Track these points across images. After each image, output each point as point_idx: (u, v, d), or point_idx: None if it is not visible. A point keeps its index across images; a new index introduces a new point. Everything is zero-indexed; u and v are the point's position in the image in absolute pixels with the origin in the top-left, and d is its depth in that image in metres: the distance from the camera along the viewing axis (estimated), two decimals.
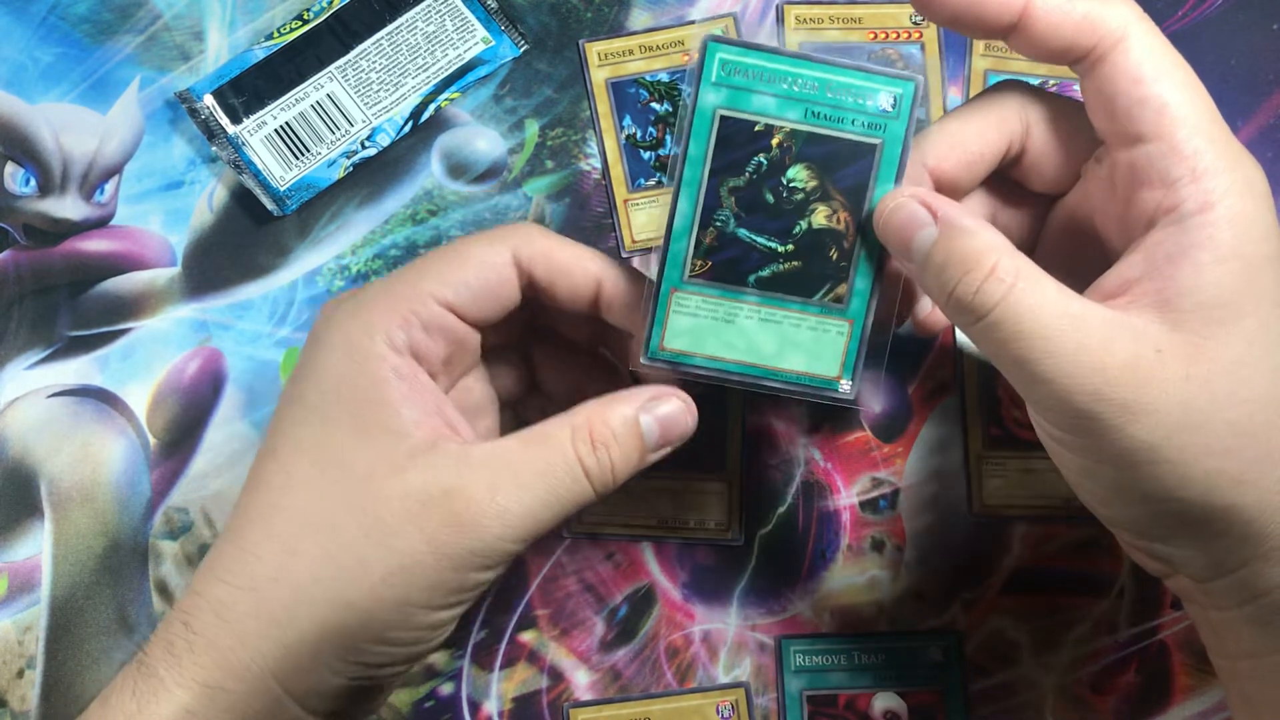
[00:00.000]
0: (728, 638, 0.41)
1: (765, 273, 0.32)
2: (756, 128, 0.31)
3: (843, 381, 0.32)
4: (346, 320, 0.31)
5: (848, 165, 0.31)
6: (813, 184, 0.31)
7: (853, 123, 0.31)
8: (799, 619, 0.41)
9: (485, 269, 0.32)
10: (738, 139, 0.31)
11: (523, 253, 0.33)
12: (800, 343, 0.32)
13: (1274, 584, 0.28)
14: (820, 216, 0.31)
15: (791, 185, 0.31)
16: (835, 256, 0.32)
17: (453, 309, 0.32)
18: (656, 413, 0.32)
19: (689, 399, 0.32)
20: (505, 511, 0.29)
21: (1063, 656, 0.41)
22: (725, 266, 0.32)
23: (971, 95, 0.44)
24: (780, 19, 0.45)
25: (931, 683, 0.41)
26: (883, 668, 0.41)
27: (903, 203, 0.30)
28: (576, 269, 0.33)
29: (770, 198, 0.31)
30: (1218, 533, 0.28)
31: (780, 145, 0.31)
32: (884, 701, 0.41)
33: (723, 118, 0.31)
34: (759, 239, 0.32)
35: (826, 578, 0.42)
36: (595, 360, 0.38)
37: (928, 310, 0.36)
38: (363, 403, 0.30)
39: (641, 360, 0.32)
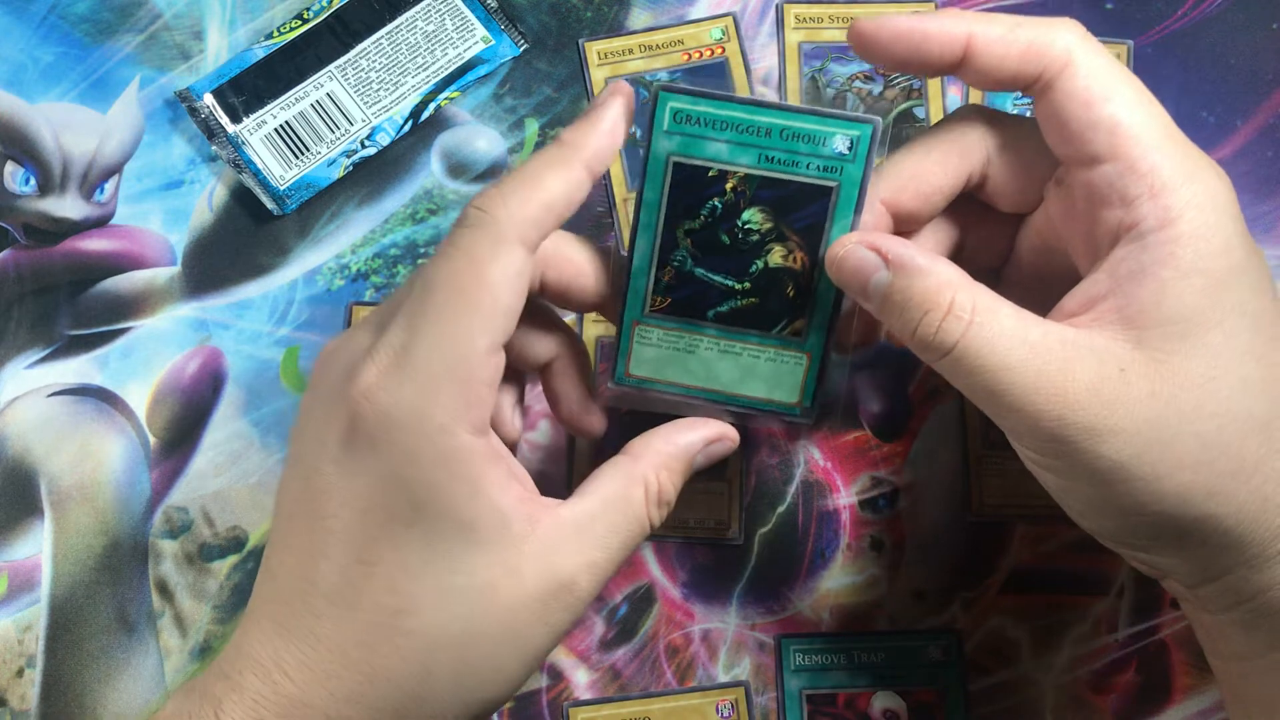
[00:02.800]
0: (727, 637, 0.41)
1: (724, 308, 0.32)
2: (710, 173, 0.31)
3: (802, 407, 0.33)
4: (418, 419, 0.28)
5: (803, 207, 0.31)
6: (768, 225, 0.31)
7: (807, 166, 0.31)
8: (798, 618, 0.41)
9: (519, 301, 0.30)
10: (692, 184, 0.31)
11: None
12: (760, 372, 0.33)
13: (1260, 588, 0.28)
14: (776, 256, 0.32)
15: (747, 227, 0.31)
16: (792, 294, 0.32)
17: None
18: (710, 453, 0.33)
19: (736, 435, 0.33)
20: (600, 581, 0.31)
21: (1063, 656, 0.41)
22: (684, 303, 0.32)
23: (969, 96, 0.44)
24: (780, 19, 0.45)
25: (931, 682, 0.41)
26: (882, 667, 0.41)
27: (851, 250, 0.30)
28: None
29: (726, 239, 0.32)
30: (1197, 542, 0.28)
31: (735, 189, 0.31)
32: (883, 701, 0.41)
33: (676, 164, 0.31)
34: (716, 277, 0.32)
35: (826, 577, 0.42)
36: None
37: None
38: (463, 506, 0.29)
39: (609, 385, 0.33)
